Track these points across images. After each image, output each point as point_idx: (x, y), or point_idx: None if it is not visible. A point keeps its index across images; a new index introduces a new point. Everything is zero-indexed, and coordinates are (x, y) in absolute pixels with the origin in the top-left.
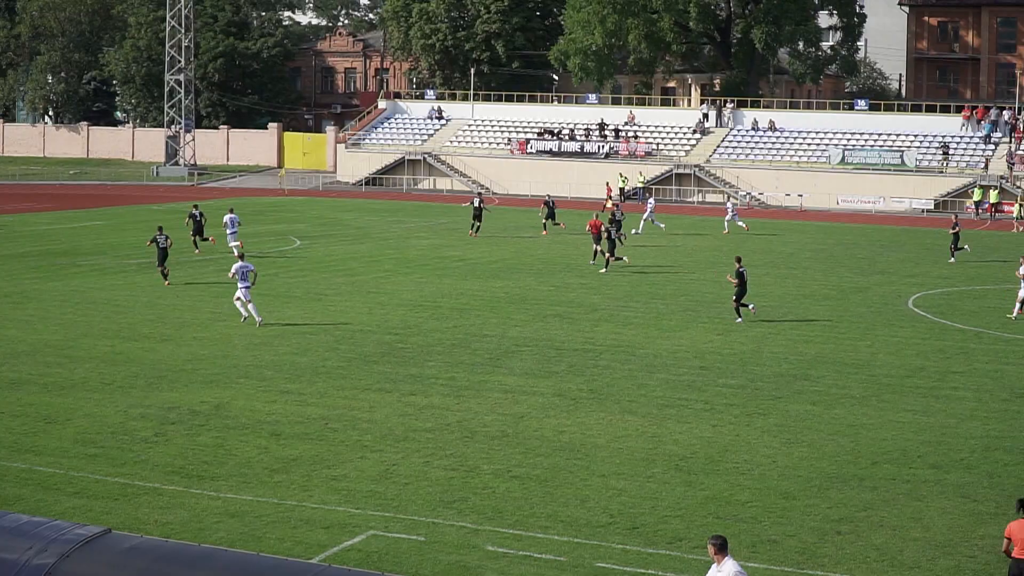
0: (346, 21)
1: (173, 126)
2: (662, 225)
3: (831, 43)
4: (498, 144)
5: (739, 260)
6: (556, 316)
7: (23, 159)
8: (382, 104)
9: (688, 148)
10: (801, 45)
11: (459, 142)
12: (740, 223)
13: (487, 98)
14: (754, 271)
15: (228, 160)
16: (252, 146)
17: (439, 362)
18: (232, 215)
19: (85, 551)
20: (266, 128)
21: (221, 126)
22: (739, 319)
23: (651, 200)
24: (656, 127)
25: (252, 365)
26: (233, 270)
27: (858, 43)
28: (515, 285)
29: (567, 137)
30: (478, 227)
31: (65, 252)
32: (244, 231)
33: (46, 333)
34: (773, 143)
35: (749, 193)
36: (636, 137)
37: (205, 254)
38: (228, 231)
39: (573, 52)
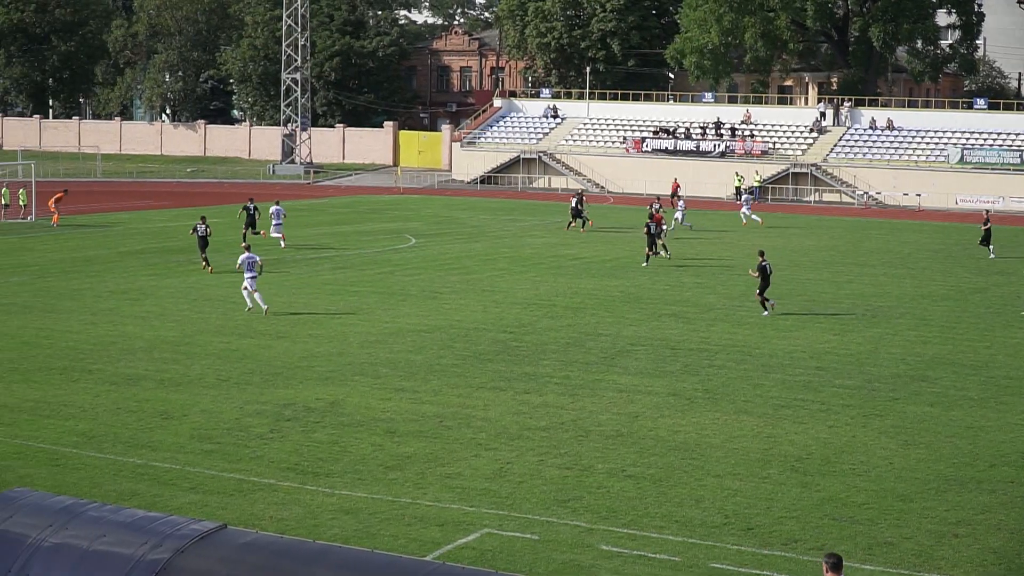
0: (462, 20)
1: (289, 124)
2: (690, 225)
3: (949, 41)
4: (613, 143)
5: (762, 254)
6: (671, 315)
7: (140, 157)
8: (497, 103)
9: (805, 147)
10: (919, 43)
11: (574, 141)
12: (755, 217)
13: (602, 97)
14: (871, 271)
15: (344, 158)
16: (368, 144)
17: (553, 361)
18: (278, 207)
19: (200, 546)
20: (382, 126)
21: (337, 124)
22: (765, 312)
23: (681, 201)
24: (772, 126)
25: (367, 363)
26: (240, 260)
27: (977, 42)
28: (630, 284)
29: (683, 136)
30: (583, 221)
31: (182, 249)
32: (362, 228)
33: (163, 330)
34: (891, 142)
35: (867, 192)
36: (752, 136)
37: (320, 251)
38: (273, 222)
39: (689, 51)
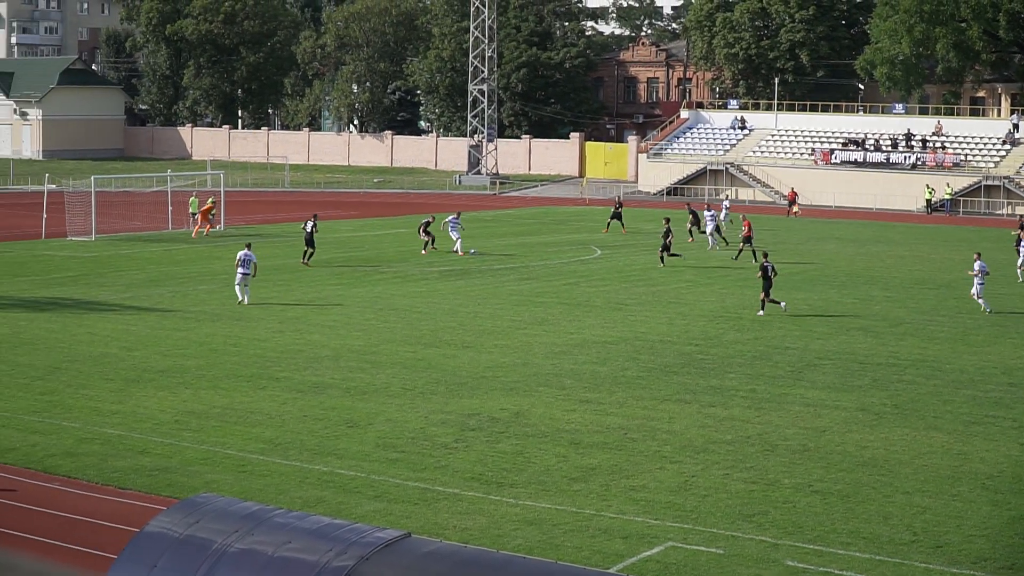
0: (649, 31)
1: (476, 135)
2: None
3: None
4: (802, 154)
5: (765, 255)
6: (859, 329)
7: (328, 167)
8: (684, 114)
9: (997, 159)
10: None
11: (762, 152)
12: (723, 223)
13: (791, 108)
14: None
15: (529, 169)
16: (554, 155)
17: (740, 374)
18: (455, 219)
19: (384, 555)
20: (568, 138)
21: (523, 135)
22: (760, 312)
23: (726, 201)
24: (964, 138)
25: (552, 374)
26: (239, 257)
27: None
28: (817, 297)
29: (872, 148)
30: (620, 224)
31: (368, 259)
32: (547, 239)
33: (349, 338)
34: None
35: None
36: (943, 148)
37: (505, 261)
38: (451, 231)
39: (880, 61)
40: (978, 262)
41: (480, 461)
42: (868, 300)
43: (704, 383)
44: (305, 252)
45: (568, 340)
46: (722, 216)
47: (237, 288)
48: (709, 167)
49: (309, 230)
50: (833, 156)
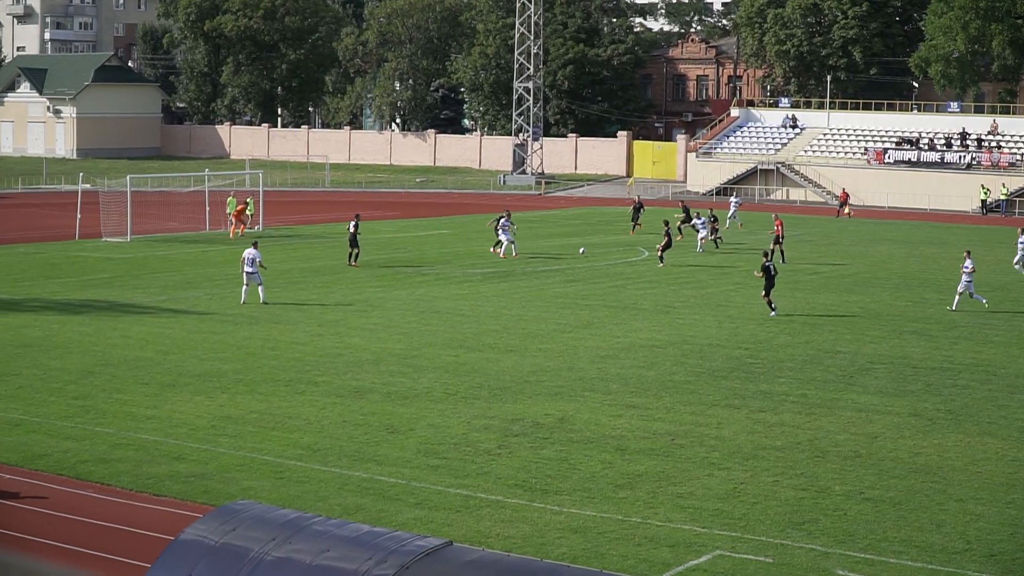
0: (698, 27)
1: (521, 134)
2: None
3: None
4: (854, 154)
5: (766, 255)
6: (913, 333)
7: (369, 166)
8: (735, 112)
9: None
10: None
11: (814, 151)
12: (738, 221)
13: (843, 106)
14: None
15: (576, 169)
16: (601, 154)
17: (790, 378)
18: (506, 220)
19: (426, 563)
20: (615, 136)
21: (569, 134)
22: (772, 313)
23: (735, 198)
24: (1021, 137)
25: (597, 378)
26: (245, 256)
27: None
28: (870, 299)
29: (927, 147)
30: (633, 226)
31: (410, 261)
32: (593, 240)
33: (390, 342)
34: None
35: None
36: (999, 147)
37: (550, 263)
38: (503, 236)
39: (934, 59)
40: (968, 260)
41: (524, 468)
42: (921, 303)
43: (753, 388)
44: (350, 253)
45: (614, 344)
46: (729, 214)
47: (245, 289)
48: (760, 167)
49: (352, 231)
50: (886, 156)
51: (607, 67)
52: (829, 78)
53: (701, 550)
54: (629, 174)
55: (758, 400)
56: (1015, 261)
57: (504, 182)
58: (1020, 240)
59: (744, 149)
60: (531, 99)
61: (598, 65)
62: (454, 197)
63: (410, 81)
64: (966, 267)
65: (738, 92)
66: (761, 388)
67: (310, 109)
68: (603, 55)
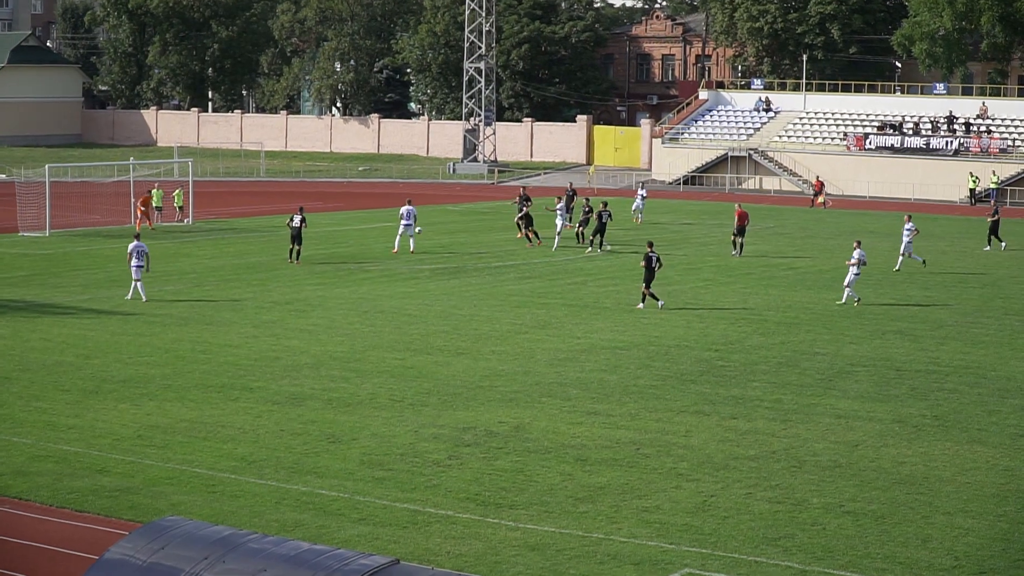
0: (664, 3)
1: (472, 119)
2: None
3: None
4: (833, 139)
5: (651, 245)
6: (896, 332)
7: (308, 154)
8: (703, 94)
9: None
10: None
11: (789, 137)
12: (640, 215)
13: (820, 88)
14: None
15: (532, 156)
16: (558, 140)
17: (764, 382)
18: (410, 207)
19: None
20: (574, 121)
21: (524, 119)
22: (640, 305)
23: (641, 190)
24: (1012, 121)
25: (556, 383)
26: (130, 249)
27: None
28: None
29: (911, 132)
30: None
31: (353, 256)
32: (551, 234)
33: (331, 344)
34: None
35: None
36: (989, 132)
37: (504, 258)
38: (403, 223)
39: (918, 36)
40: (857, 251)
41: (476, 480)
42: (905, 300)
43: (725, 393)
44: (292, 250)
45: (574, 345)
46: (634, 205)
47: (135, 285)
48: (731, 153)
49: (297, 224)
50: (867, 141)
51: (565, 46)
52: (805, 58)
53: (668, 568)
54: (590, 162)
55: (729, 406)
56: (902, 250)
57: (454, 170)
58: (907, 227)
59: (714, 135)
60: (483, 81)
61: (555, 44)
62: (400, 187)
63: (352, 62)
64: (853, 259)
65: (707, 73)
66: (733, 393)
67: (243, 92)
68: (560, 33)
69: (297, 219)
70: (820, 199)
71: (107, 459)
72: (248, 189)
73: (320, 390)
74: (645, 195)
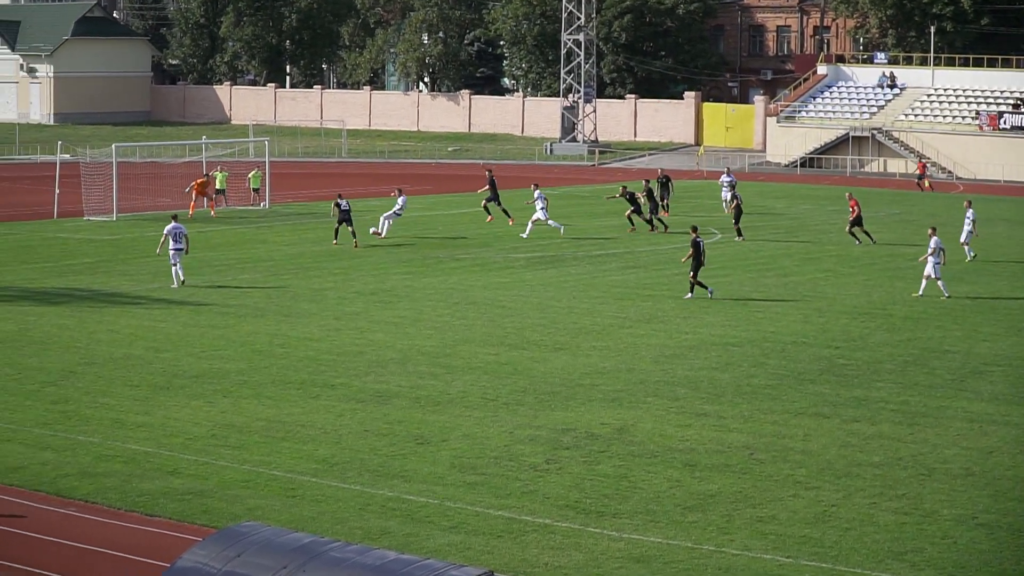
0: None
1: (570, 95)
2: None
3: None
4: (964, 118)
5: (695, 229)
6: None
7: (393, 133)
8: (822, 69)
9: None
10: None
11: (915, 115)
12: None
13: (950, 62)
14: None
15: (635, 136)
16: (664, 119)
17: (889, 383)
18: (539, 191)
19: None
20: (681, 98)
21: (627, 95)
22: (688, 295)
23: (726, 177)
24: None
25: (662, 381)
26: (167, 231)
27: None
28: (983, 290)
29: None
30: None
31: (442, 243)
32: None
33: (419, 338)
34: None
35: None
36: None
37: (606, 246)
38: (538, 206)
39: None
40: (933, 239)
41: (576, 486)
42: None
43: (846, 393)
44: (337, 230)
45: (682, 341)
46: (724, 195)
47: (174, 269)
48: (852, 133)
49: (346, 207)
50: (1002, 121)
51: (671, 16)
52: (933, 29)
53: None
54: (698, 142)
55: (852, 408)
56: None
57: (551, 151)
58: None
59: (833, 113)
60: (582, 54)
61: (661, 14)
62: (493, 169)
63: (440, 33)
64: (931, 247)
65: (826, 46)
66: (855, 394)
67: (324, 66)
68: (667, 2)
69: (344, 202)
70: (925, 182)
71: (179, 460)
72: (328, 171)
73: (407, 387)
74: (734, 181)
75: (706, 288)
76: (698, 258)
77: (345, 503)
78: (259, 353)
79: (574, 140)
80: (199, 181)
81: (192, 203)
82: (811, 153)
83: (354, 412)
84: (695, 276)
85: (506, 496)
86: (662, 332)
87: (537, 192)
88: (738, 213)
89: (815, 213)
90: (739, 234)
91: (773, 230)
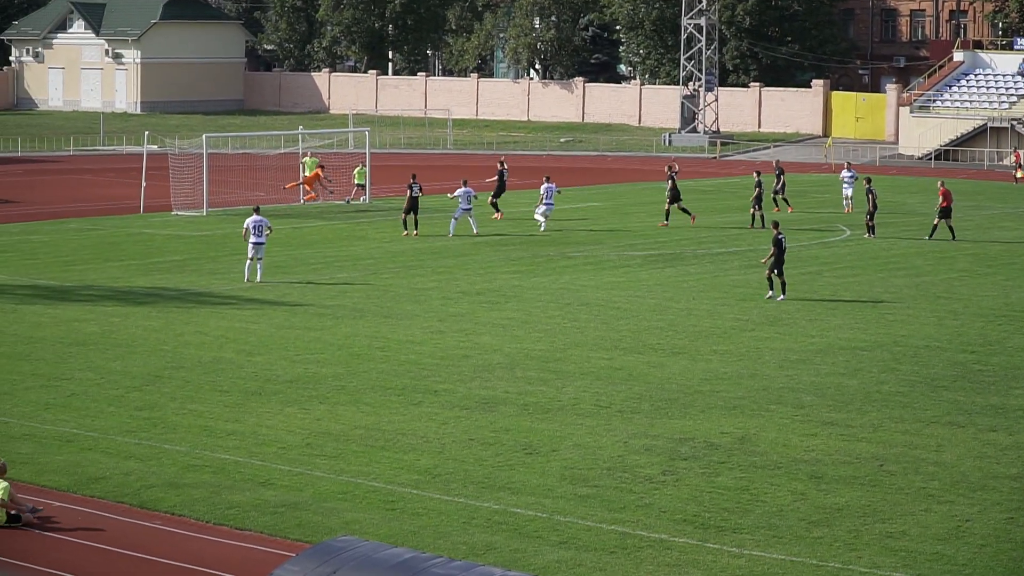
0: None
1: (691, 83)
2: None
3: None
4: None
5: (776, 225)
6: None
7: (502, 123)
8: (958, 56)
9: None
10: None
11: None
12: (851, 203)
13: None
14: None
15: (759, 126)
16: (790, 109)
17: None
18: (549, 185)
19: None
20: (809, 86)
21: (751, 83)
22: (770, 294)
23: (847, 172)
24: None
25: (787, 388)
26: (247, 225)
27: None
28: None
29: None
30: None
31: (553, 240)
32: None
33: (528, 341)
34: None
35: None
36: None
37: (727, 243)
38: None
39: None
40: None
41: (694, 499)
42: None
43: (982, 401)
44: (406, 220)
45: (807, 345)
46: (845, 193)
47: (248, 265)
48: (990, 124)
49: (417, 193)
50: None
51: (799, 0)
52: None
53: None
54: (826, 133)
55: (988, 417)
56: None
57: (669, 142)
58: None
59: (970, 102)
60: (703, 39)
61: None
62: (608, 161)
63: (553, 17)
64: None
65: (962, 31)
66: (991, 402)
67: (428, 52)
68: None
69: (416, 188)
70: (1020, 173)
71: (271, 470)
72: (433, 163)
73: (515, 394)
74: (855, 176)
75: (771, 288)
76: (780, 256)
77: (448, 517)
78: (357, 357)
79: (694, 131)
80: (315, 173)
81: (309, 196)
82: (946, 145)
83: (458, 420)
84: (778, 273)
85: (620, 510)
86: (787, 335)
87: (545, 187)
88: (874, 208)
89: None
90: (871, 231)
91: (905, 227)
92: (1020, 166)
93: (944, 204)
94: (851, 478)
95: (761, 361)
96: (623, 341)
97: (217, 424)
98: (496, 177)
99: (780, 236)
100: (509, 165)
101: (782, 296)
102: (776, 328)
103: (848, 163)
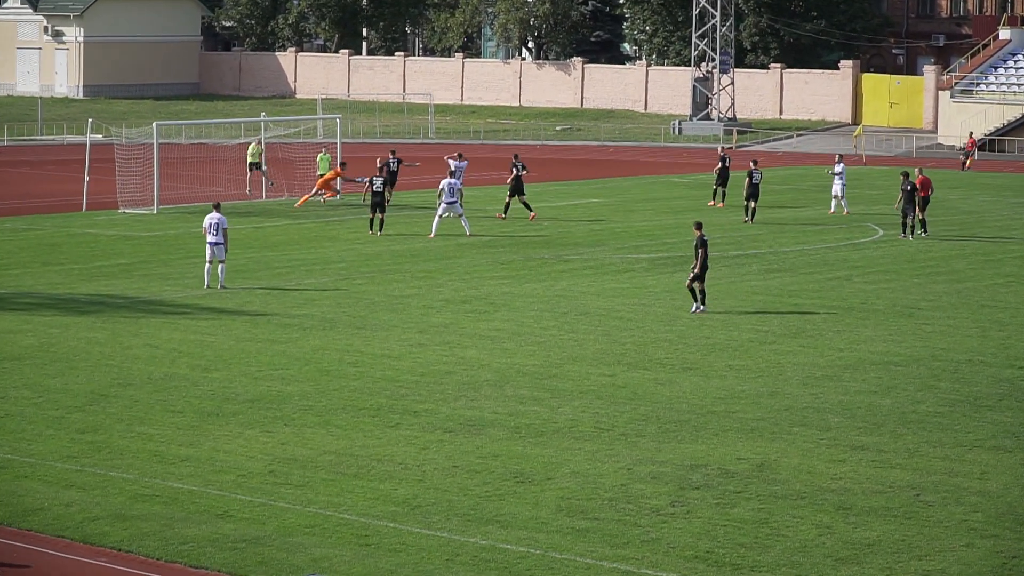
0: None
1: (704, 64)
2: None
3: None
4: None
5: (699, 226)
6: None
7: (490, 108)
8: (1004, 34)
9: None
10: None
11: None
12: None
13: None
14: None
15: (780, 113)
16: (816, 93)
17: None
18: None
19: None
20: (836, 68)
21: (772, 64)
22: (697, 305)
23: (838, 167)
24: None
25: (811, 407)
26: (206, 223)
27: None
28: None
29: None
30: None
31: (547, 242)
32: (804, 215)
33: (519, 355)
34: None
35: None
36: None
37: (744, 245)
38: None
39: None
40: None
41: (707, 533)
42: None
43: None
44: (372, 220)
45: (835, 360)
46: (834, 191)
47: (208, 269)
48: None
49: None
50: None
51: None
52: None
53: None
54: (856, 120)
55: None
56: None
57: (679, 131)
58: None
59: (1018, 86)
60: (718, 15)
61: None
62: (609, 152)
63: None
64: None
65: (1009, 5)
66: None
67: (407, 30)
68: None
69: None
70: (967, 161)
71: (230, 500)
72: (414, 153)
73: (505, 415)
74: (842, 171)
75: (695, 300)
76: (705, 261)
77: (429, 553)
78: (327, 373)
79: (707, 118)
80: (333, 173)
81: (327, 194)
82: (991, 134)
83: (441, 444)
84: (693, 282)
85: (623, 545)
86: (811, 349)
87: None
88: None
89: (995, 206)
90: (924, 227)
91: (945, 226)
92: (970, 152)
93: (923, 194)
94: (884, 509)
95: (783, 378)
96: (627, 355)
97: (169, 449)
98: (512, 174)
99: (706, 238)
100: (498, 156)
101: (704, 307)
102: (799, 341)
103: (839, 156)
